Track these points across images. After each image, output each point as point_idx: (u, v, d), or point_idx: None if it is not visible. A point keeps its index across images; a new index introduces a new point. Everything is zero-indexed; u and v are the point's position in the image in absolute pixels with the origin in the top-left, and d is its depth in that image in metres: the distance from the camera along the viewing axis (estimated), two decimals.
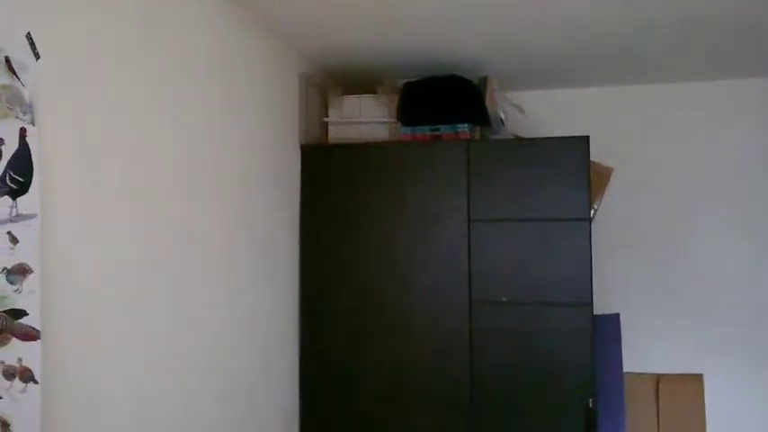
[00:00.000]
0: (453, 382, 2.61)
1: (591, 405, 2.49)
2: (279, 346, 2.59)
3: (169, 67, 1.82)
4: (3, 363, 1.18)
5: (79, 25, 1.46)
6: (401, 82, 2.85)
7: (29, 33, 1.29)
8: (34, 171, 1.26)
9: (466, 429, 2.58)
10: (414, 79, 2.84)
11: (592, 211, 2.72)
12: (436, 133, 2.76)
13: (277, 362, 2.57)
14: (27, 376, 1.22)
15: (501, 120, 2.87)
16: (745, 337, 3.06)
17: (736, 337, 3.06)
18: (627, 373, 2.99)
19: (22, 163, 1.25)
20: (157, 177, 1.76)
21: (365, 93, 2.89)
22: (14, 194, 1.23)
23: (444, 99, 2.79)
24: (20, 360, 1.21)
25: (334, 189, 2.77)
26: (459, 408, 2.60)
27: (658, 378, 3.06)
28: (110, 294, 1.55)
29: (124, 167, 1.62)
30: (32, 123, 1.27)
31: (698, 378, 3.05)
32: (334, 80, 3.05)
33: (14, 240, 1.21)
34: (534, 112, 3.14)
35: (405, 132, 2.79)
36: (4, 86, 1.22)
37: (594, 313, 2.56)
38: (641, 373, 3.07)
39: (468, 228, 2.65)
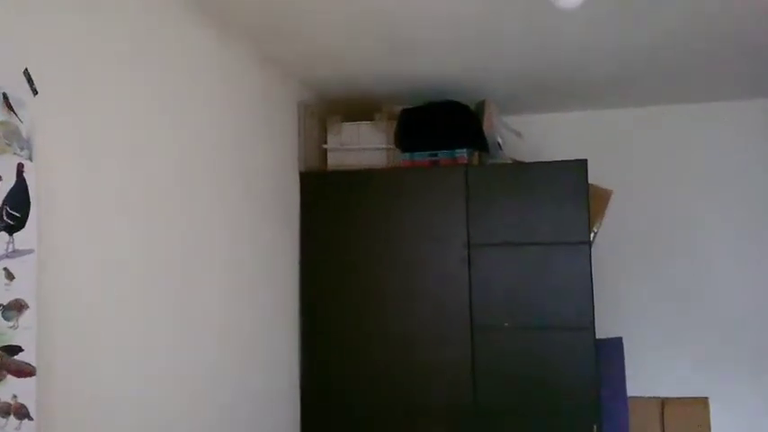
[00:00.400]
0: (456, 409, 2.59)
1: (596, 431, 2.46)
2: (280, 371, 2.57)
3: (169, 96, 1.84)
4: None
5: (75, 60, 1.48)
6: (399, 108, 2.87)
7: (26, 69, 1.30)
8: (31, 207, 1.27)
9: None
10: (411, 106, 2.86)
11: (592, 234, 2.71)
12: (434, 159, 2.77)
13: (277, 387, 2.54)
14: (22, 413, 1.21)
15: (499, 144, 2.88)
16: (750, 360, 3.03)
17: (742, 359, 3.04)
18: (631, 397, 2.95)
19: (20, 199, 1.25)
20: (158, 200, 1.76)
21: (363, 120, 2.91)
22: (11, 230, 1.23)
23: (442, 125, 2.80)
24: (15, 397, 1.20)
25: (333, 215, 2.77)
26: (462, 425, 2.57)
27: (663, 402, 3.02)
28: (108, 328, 1.55)
29: (123, 190, 1.62)
30: (30, 159, 1.28)
31: (703, 401, 3.01)
32: (332, 107, 3.08)
33: (11, 276, 1.21)
34: (532, 137, 3.15)
35: (403, 158, 2.81)
36: (2, 123, 1.23)
37: (597, 337, 2.54)
38: (646, 397, 3.04)
39: (469, 253, 2.64)
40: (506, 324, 2.58)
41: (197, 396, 1.95)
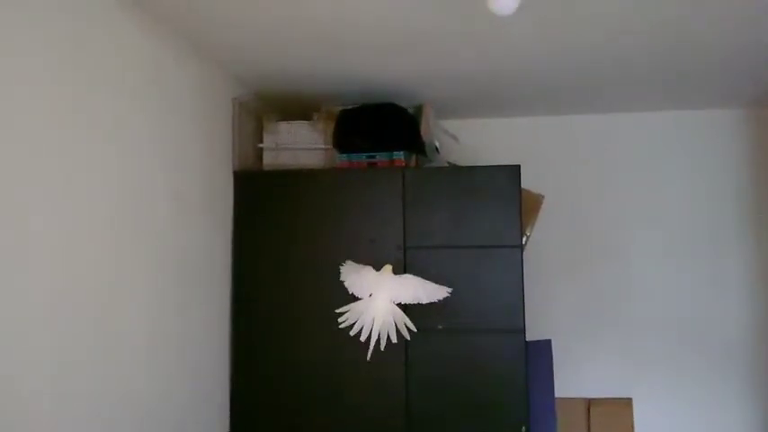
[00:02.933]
0: (387, 410, 2.58)
1: (524, 431, 2.50)
2: (209, 375, 2.50)
3: (95, 91, 1.76)
4: None
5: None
6: (337, 109, 2.85)
7: None
8: None
9: None
10: (350, 106, 2.85)
11: (524, 238, 2.77)
12: (372, 160, 2.77)
13: (206, 390, 2.47)
14: None
15: (436, 148, 2.90)
16: (672, 362, 3.16)
17: (664, 361, 3.16)
18: (558, 398, 3.03)
19: None
20: (81, 200, 1.68)
21: (301, 119, 2.88)
22: None
23: (380, 126, 2.80)
24: None
25: (268, 216, 2.72)
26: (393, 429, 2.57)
27: (589, 402, 3.11)
28: (24, 340, 1.46)
29: (45, 189, 1.53)
30: None
31: (627, 402, 3.12)
32: (269, 106, 3.03)
33: None
34: (469, 141, 3.20)
35: (341, 159, 2.79)
36: None
37: (527, 339, 2.59)
38: (572, 398, 3.12)
39: (404, 255, 2.64)
40: (440, 326, 2.60)
41: (120, 406, 1.86)
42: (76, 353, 1.66)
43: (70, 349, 1.64)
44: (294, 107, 3.02)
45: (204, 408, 2.45)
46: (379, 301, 2.43)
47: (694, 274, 3.19)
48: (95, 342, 1.75)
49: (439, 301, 2.46)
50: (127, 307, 1.91)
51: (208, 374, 2.50)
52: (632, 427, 3.08)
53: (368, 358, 2.42)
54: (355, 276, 2.48)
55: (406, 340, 2.54)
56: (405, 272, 2.61)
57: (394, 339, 2.42)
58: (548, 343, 2.99)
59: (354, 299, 2.50)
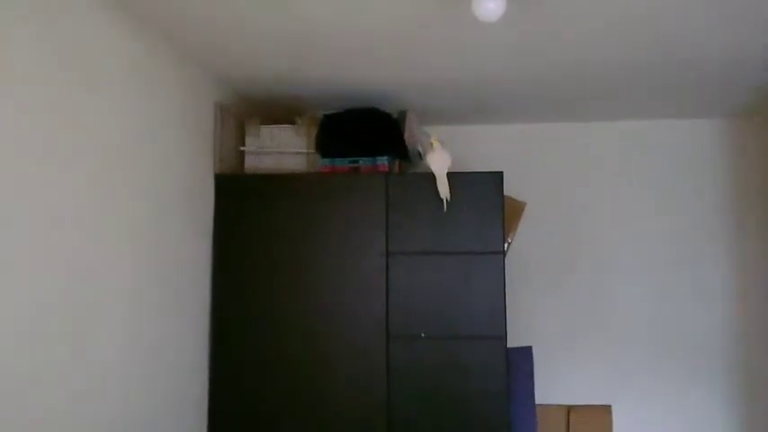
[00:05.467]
0: (369, 417, 2.56)
1: None
2: (188, 379, 2.46)
3: (75, 93, 1.73)
4: None
5: None
6: (320, 113, 2.83)
7: None
8: None
9: None
10: (333, 111, 2.84)
11: (506, 245, 2.78)
12: (355, 165, 2.76)
13: (184, 395, 2.43)
14: None
15: (419, 154, 2.90)
16: (651, 369, 3.19)
17: (644, 368, 3.19)
18: (539, 405, 3.03)
19: None
20: (62, 202, 1.64)
21: (284, 123, 2.85)
22: None
23: (363, 131, 2.79)
24: None
25: (249, 219, 2.69)
26: None
27: (569, 409, 3.12)
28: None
29: (25, 189, 1.50)
30: None
31: (606, 409, 3.13)
32: (251, 109, 3.00)
33: None
34: (452, 148, 3.19)
35: (323, 164, 2.77)
36: None
37: (508, 346, 2.60)
38: (553, 405, 3.13)
39: (387, 261, 2.63)
40: (423, 334, 2.59)
41: (98, 408, 1.83)
42: (50, 353, 1.62)
43: (43, 350, 1.60)
44: (277, 111, 3.00)
45: (183, 409, 2.41)
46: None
47: (675, 282, 3.23)
48: (70, 343, 1.71)
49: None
50: (103, 307, 1.87)
51: (186, 376, 2.46)
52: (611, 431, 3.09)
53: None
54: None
55: (388, 346, 2.53)
56: (387, 279, 2.60)
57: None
58: (529, 350, 3.00)
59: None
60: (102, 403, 1.87)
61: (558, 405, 3.14)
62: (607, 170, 3.33)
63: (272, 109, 3.01)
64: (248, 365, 2.64)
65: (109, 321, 1.91)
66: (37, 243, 1.57)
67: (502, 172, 2.65)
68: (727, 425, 3.13)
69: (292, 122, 2.86)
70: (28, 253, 1.54)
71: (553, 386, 3.17)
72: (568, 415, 3.11)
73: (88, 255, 1.79)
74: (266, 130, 2.83)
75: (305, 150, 2.81)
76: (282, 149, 2.81)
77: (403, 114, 2.89)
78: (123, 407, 1.98)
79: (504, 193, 2.66)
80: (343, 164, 2.76)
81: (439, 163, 2.60)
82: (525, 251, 3.22)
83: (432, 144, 2.67)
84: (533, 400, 2.94)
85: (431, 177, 2.61)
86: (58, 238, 1.65)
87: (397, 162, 2.84)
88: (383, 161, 2.73)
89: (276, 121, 2.87)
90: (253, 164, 2.81)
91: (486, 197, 2.64)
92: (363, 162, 2.75)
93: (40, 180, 1.58)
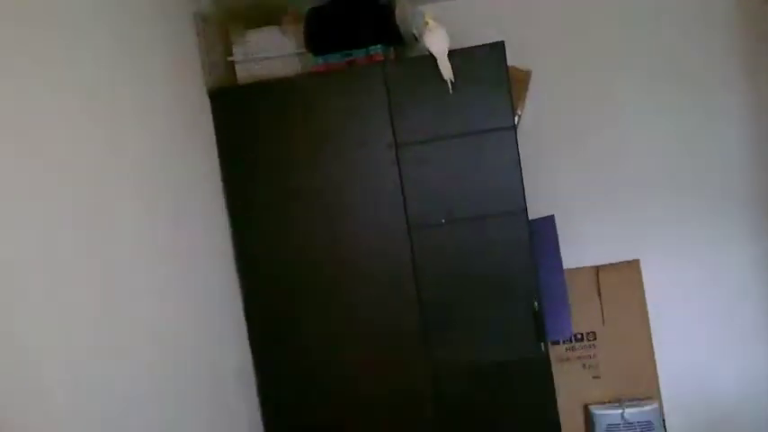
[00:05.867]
0: (400, 311, 2.62)
1: (536, 308, 2.56)
2: (219, 295, 2.52)
3: (47, 17, 1.63)
4: None
5: None
6: (305, 8, 2.68)
7: None
8: None
9: (420, 351, 2.62)
10: (318, 4, 2.68)
11: (516, 118, 2.69)
12: (349, 59, 2.64)
13: (219, 312, 2.50)
14: None
15: (415, 36, 2.76)
16: (674, 213, 3.16)
17: (667, 219, 3.17)
18: (567, 270, 3.07)
19: None
20: (48, 134, 1.60)
21: (269, 25, 2.71)
22: None
23: (353, 21, 2.66)
24: None
25: (251, 132, 2.64)
26: (409, 333, 2.62)
27: (597, 269, 3.16)
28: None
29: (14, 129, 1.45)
30: None
31: (635, 264, 3.17)
32: (234, 16, 2.85)
33: None
34: (448, 24, 3.02)
35: (317, 63, 2.66)
36: None
37: (530, 218, 2.59)
38: (581, 268, 3.17)
39: (397, 153, 2.59)
40: (443, 221, 2.59)
41: (135, 335, 1.88)
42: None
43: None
44: (260, 13, 2.84)
45: (222, 331, 2.50)
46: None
47: (691, 126, 3.13)
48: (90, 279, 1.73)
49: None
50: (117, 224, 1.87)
51: (218, 301, 2.51)
52: (642, 286, 3.14)
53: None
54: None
55: (411, 238, 2.55)
56: (400, 172, 2.57)
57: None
58: (551, 219, 3.00)
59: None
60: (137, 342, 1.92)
61: (586, 267, 3.17)
62: (615, 25, 3.13)
63: (256, 12, 2.85)
64: (275, 280, 2.67)
65: (126, 234, 1.89)
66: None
67: (503, 41, 2.52)
68: (758, 254, 3.12)
69: (278, 23, 2.72)
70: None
71: (580, 250, 3.18)
72: (597, 275, 3.16)
73: (88, 193, 1.76)
74: (252, 36, 2.70)
75: (296, 51, 2.69)
76: (272, 54, 2.69)
77: None
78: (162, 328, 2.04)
79: (508, 62, 2.54)
80: (336, 60, 2.64)
81: (437, 43, 2.48)
82: (536, 120, 3.12)
83: (427, 24, 2.53)
84: (561, 266, 2.97)
85: (429, 59, 2.50)
86: (59, 170, 1.63)
87: (392, 49, 2.71)
88: (377, 50, 2.61)
89: (261, 25, 2.73)
90: (244, 74, 2.71)
91: (489, 71, 2.52)
92: (357, 54, 2.63)
93: (26, 106, 1.53)
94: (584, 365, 3.15)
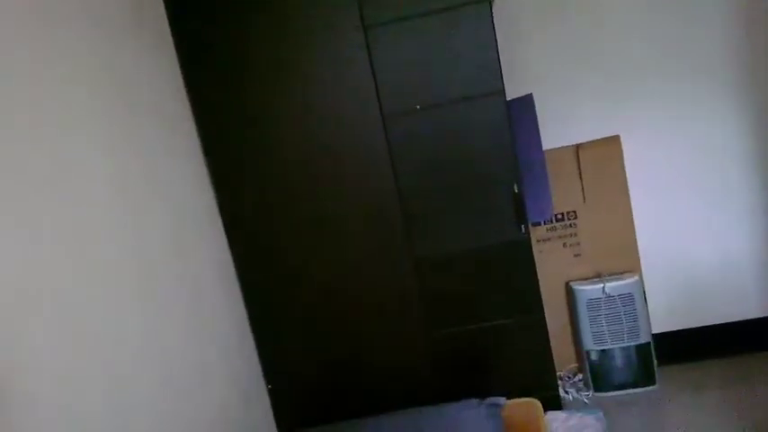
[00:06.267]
0: (380, 198, 2.56)
1: (516, 190, 2.52)
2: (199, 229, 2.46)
3: None
4: None
5: None
6: None
7: None
8: None
9: (401, 242, 2.60)
10: None
11: None
12: None
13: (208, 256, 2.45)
14: None
15: None
16: (653, 93, 3.07)
17: (646, 94, 3.07)
18: (547, 150, 3.01)
19: None
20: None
21: None
22: None
23: None
24: None
25: (210, 27, 2.46)
26: (390, 221, 2.59)
27: (577, 147, 3.11)
28: None
29: None
30: None
31: (615, 139, 3.11)
32: None
33: None
34: None
35: None
36: None
37: (508, 98, 2.49)
38: (561, 147, 3.11)
39: (365, 34, 2.43)
40: (418, 107, 2.48)
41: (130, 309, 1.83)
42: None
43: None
44: None
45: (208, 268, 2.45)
46: None
47: None
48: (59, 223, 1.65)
49: None
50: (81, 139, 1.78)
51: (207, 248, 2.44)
52: (622, 162, 3.11)
53: None
54: None
55: (385, 126, 2.45)
56: (370, 56, 2.43)
57: None
58: (529, 97, 2.89)
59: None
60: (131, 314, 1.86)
61: (566, 146, 3.11)
62: None
63: None
64: (250, 180, 2.60)
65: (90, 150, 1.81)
66: None
67: None
68: (739, 123, 3.07)
69: None
70: None
71: (560, 129, 3.10)
72: (577, 153, 3.10)
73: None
74: None
75: None
76: None
77: None
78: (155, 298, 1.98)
79: None
80: None
81: None
82: None
83: None
84: (540, 146, 2.90)
85: None
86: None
87: None
88: None
89: None
90: None
91: None
92: None
93: None
94: (564, 244, 3.17)
